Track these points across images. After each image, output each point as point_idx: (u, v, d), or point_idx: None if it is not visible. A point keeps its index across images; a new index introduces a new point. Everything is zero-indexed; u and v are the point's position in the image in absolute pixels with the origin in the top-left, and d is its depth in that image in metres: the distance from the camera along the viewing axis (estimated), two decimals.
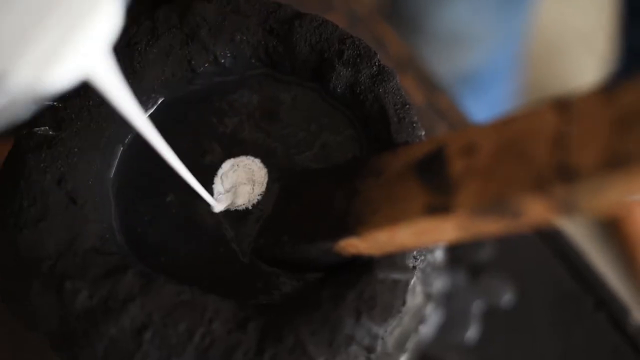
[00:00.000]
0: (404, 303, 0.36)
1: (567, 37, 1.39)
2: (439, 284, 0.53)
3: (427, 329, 0.53)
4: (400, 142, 0.39)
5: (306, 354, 0.35)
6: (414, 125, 0.39)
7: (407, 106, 0.39)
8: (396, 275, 0.36)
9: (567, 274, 0.56)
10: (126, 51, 0.41)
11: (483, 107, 0.91)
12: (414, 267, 0.37)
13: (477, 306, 0.55)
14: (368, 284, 0.36)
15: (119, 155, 0.41)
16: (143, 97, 0.41)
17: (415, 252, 0.37)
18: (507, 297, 0.56)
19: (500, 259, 0.57)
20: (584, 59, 1.35)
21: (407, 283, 0.36)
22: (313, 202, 0.38)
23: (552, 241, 0.57)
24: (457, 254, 0.56)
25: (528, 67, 1.32)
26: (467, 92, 0.90)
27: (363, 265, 0.36)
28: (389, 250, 0.34)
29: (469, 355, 0.55)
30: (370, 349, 0.36)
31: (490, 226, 0.27)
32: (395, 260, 0.36)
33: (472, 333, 0.55)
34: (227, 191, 0.40)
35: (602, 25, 1.28)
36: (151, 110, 0.42)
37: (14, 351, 0.58)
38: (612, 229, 1.26)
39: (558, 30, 1.39)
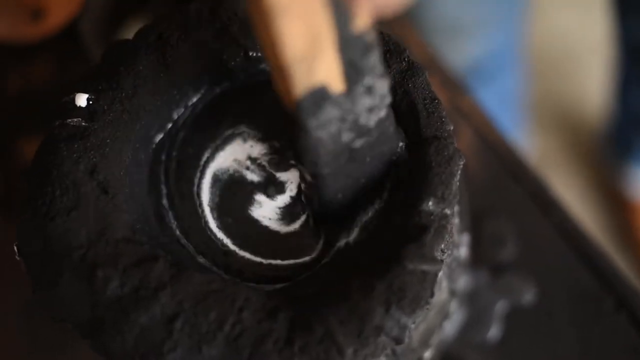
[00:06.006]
0: (432, 295, 0.37)
1: (578, 46, 1.39)
2: (463, 282, 0.53)
3: (450, 328, 0.54)
4: (429, 137, 0.39)
5: (335, 344, 0.35)
6: (443, 119, 0.39)
7: (436, 101, 0.40)
8: (425, 267, 0.36)
9: (589, 274, 0.56)
10: (157, 44, 0.42)
11: (492, 96, 0.91)
12: (442, 260, 0.37)
13: (499, 306, 0.55)
14: (397, 275, 0.36)
15: (151, 145, 0.41)
16: (174, 90, 0.41)
17: (443, 245, 0.37)
18: (528, 297, 0.56)
19: (522, 258, 0.57)
20: (596, 68, 1.36)
21: (435, 275, 0.37)
22: None
23: (573, 241, 0.57)
24: (480, 253, 0.56)
25: (541, 76, 1.33)
26: (474, 82, 0.90)
27: (392, 256, 0.37)
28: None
29: (491, 355, 0.55)
30: (398, 340, 0.36)
31: None
32: (424, 252, 0.37)
33: (493, 332, 0.55)
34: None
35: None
36: (194, 99, 0.43)
37: (29, 351, 0.59)
38: (628, 238, 1.26)
39: (569, 39, 1.39)
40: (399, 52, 0.41)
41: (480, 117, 0.62)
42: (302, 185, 0.41)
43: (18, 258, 0.39)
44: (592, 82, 1.36)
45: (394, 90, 0.40)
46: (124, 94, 0.41)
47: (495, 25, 0.97)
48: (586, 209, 1.28)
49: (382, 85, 0.36)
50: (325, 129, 0.36)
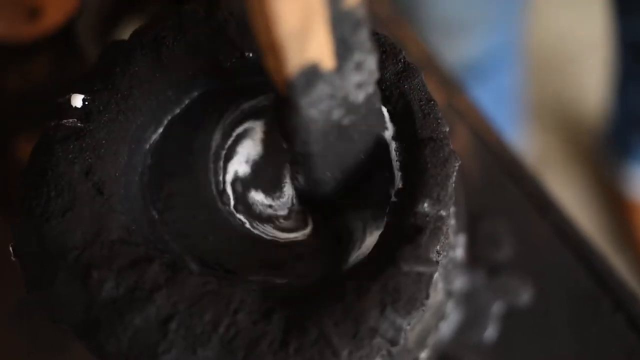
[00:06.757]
0: (427, 296, 0.37)
1: (577, 45, 1.40)
2: (459, 283, 0.53)
3: (446, 329, 0.54)
4: (424, 138, 0.39)
5: (330, 345, 0.35)
6: (439, 121, 0.39)
7: (432, 102, 0.40)
8: (420, 268, 0.36)
9: (586, 275, 0.56)
10: (153, 45, 0.41)
11: (489, 95, 0.91)
12: (437, 262, 0.37)
13: (495, 306, 0.55)
14: (392, 276, 0.36)
15: (146, 146, 0.41)
16: (169, 91, 0.41)
17: (438, 246, 0.37)
18: (525, 298, 0.56)
19: (519, 259, 0.57)
20: (594, 66, 1.36)
21: (431, 276, 0.37)
22: None
23: (570, 241, 0.57)
24: (477, 253, 0.56)
25: (539, 75, 1.33)
26: (471, 80, 0.91)
27: (387, 257, 0.37)
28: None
29: (487, 356, 0.55)
30: (393, 342, 0.36)
31: None
32: (420, 253, 0.37)
33: (490, 333, 0.55)
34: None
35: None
36: (187, 102, 0.43)
37: (29, 351, 0.59)
38: (627, 235, 1.26)
39: (568, 38, 1.40)
40: (394, 53, 0.41)
41: (476, 117, 0.61)
42: (290, 166, 0.41)
43: (14, 259, 0.39)
44: (591, 81, 1.36)
45: (389, 91, 0.40)
46: (119, 95, 0.40)
47: (494, 23, 0.97)
48: (584, 208, 1.28)
49: (371, 61, 0.36)
50: (316, 107, 0.36)
